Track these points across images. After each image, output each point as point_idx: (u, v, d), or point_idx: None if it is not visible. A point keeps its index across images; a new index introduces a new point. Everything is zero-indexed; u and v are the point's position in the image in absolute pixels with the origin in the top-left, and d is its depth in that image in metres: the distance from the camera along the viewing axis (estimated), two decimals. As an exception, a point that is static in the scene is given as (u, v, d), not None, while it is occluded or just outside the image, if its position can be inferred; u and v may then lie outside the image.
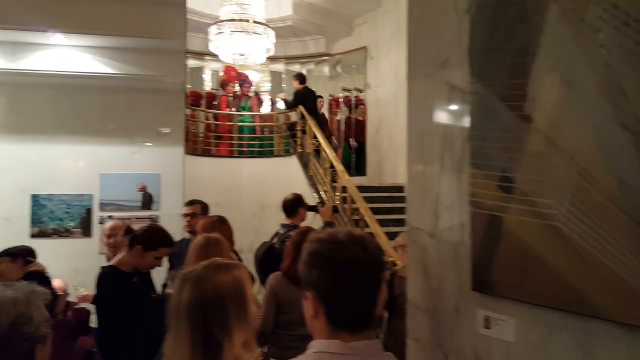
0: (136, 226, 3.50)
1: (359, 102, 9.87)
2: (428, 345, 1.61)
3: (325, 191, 7.21)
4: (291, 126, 9.01)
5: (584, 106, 1.12)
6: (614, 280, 1.09)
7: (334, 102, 10.58)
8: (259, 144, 9.10)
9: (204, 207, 4.09)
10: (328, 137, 8.41)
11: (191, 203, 4.09)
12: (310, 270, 1.12)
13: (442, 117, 1.57)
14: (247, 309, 1.37)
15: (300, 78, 8.63)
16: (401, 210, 7.35)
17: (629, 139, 1.05)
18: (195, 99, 9.22)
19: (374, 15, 9.30)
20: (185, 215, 3.99)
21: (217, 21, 8.02)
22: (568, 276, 1.17)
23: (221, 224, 3.28)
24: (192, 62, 9.64)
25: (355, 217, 6.16)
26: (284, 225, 3.99)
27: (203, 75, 10.36)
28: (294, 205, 4.03)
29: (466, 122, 1.45)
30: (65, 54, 4.99)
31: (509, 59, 1.29)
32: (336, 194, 6.94)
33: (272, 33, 8.32)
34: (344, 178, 6.50)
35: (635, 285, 1.05)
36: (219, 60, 9.33)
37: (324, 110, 9.79)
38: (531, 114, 1.23)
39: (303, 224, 3.89)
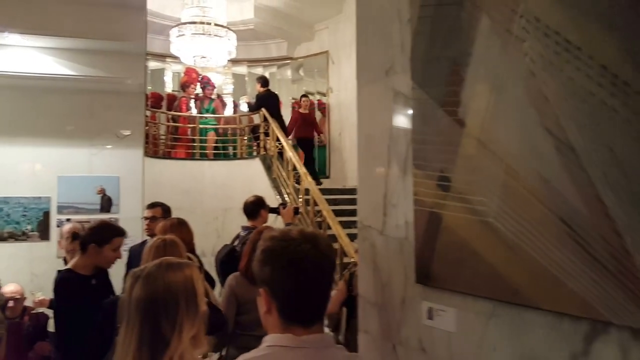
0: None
1: (322, 105, 9.98)
2: (377, 337, 1.70)
3: (288, 194, 7.28)
4: (254, 129, 9.03)
5: (511, 111, 1.23)
6: (539, 271, 1.19)
7: (297, 105, 10.65)
8: (222, 146, 9.08)
9: (165, 210, 4.07)
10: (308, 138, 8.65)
11: (152, 206, 4.07)
12: (263, 267, 1.17)
13: (388, 121, 1.65)
14: (197, 305, 1.41)
15: (263, 81, 8.68)
16: (363, 212, 7.50)
17: (551, 142, 1.15)
18: (156, 100, 9.11)
19: (335, 21, 9.46)
20: (146, 218, 3.97)
21: (178, 24, 7.99)
22: (500, 268, 1.27)
23: (181, 226, 3.29)
24: (153, 64, 9.55)
25: (318, 219, 6.23)
26: (245, 228, 4.01)
27: (164, 77, 10.26)
28: (255, 208, 4.06)
29: (409, 125, 1.55)
30: (23, 55, 4.90)
31: (446, 67, 1.39)
32: (299, 196, 7.00)
33: (233, 36, 8.33)
34: (307, 180, 6.57)
35: (558, 276, 1.16)
36: (180, 62, 9.27)
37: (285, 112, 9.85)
38: (464, 119, 1.33)
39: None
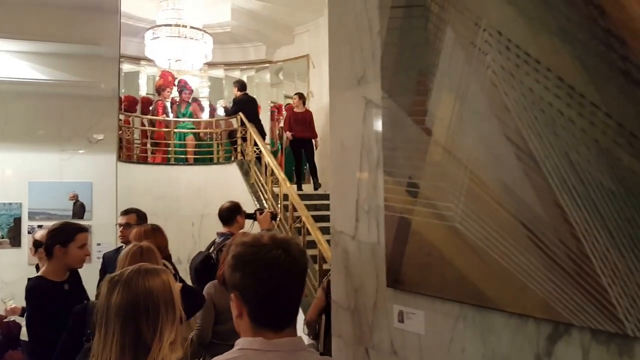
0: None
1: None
2: (350, 341, 1.72)
3: (266, 199, 7.25)
4: (231, 133, 8.97)
5: (474, 120, 1.27)
6: (503, 275, 1.24)
7: (276, 109, 10.63)
8: (199, 151, 9.01)
9: (140, 217, 4.02)
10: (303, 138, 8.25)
11: (126, 212, 4.02)
12: (234, 273, 1.19)
13: (360, 128, 1.69)
14: (175, 310, 1.43)
15: (240, 85, 8.63)
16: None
17: (511, 150, 1.20)
18: (130, 104, 8.98)
19: (316, 24, 9.39)
20: (120, 225, 3.93)
21: (153, 26, 7.90)
22: (466, 271, 1.32)
23: (155, 233, 3.27)
24: (127, 67, 9.41)
25: (297, 225, 6.22)
26: (220, 234, 3.97)
27: (139, 80, 10.14)
28: (230, 214, 4.01)
29: (379, 132, 1.58)
30: (-6, 59, 4.81)
31: (414, 77, 1.43)
32: (278, 202, 6.99)
33: (210, 39, 8.28)
34: (285, 186, 6.55)
35: (521, 279, 1.20)
36: (155, 65, 9.17)
37: (264, 117, 9.82)
38: (431, 127, 1.38)
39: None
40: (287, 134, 8.14)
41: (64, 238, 2.80)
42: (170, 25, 7.67)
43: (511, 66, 1.19)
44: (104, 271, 3.85)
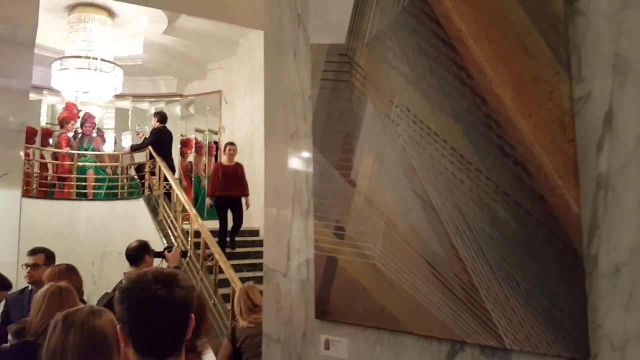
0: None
1: (211, 145, 10.01)
2: (280, 369, 1.92)
3: (176, 237, 7.15)
4: (139, 167, 8.79)
5: (389, 177, 1.58)
6: (412, 303, 1.52)
7: (184, 143, 10.56)
8: (102, 185, 8.69)
9: (49, 257, 3.88)
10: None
11: (34, 252, 3.84)
12: (118, 306, 1.32)
13: (292, 176, 1.94)
14: (120, 346, 1.54)
15: (161, 117, 8.41)
16: (256, 255, 7.61)
17: (417, 202, 1.51)
18: (29, 135, 8.49)
19: (229, 62, 9.60)
20: (27, 265, 3.76)
21: (62, 57, 7.68)
22: (382, 301, 1.59)
23: (69, 273, 3.22)
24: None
25: (209, 263, 6.20)
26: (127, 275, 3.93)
27: (40, 110, 9.65)
28: (138, 253, 3.86)
29: (310, 182, 1.84)
30: None
31: (340, 138, 1.72)
32: (188, 239, 6.93)
33: (120, 72, 8.19)
34: (197, 222, 6.54)
35: (426, 306, 1.49)
36: (57, 94, 8.83)
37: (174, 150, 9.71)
38: (355, 180, 1.66)
39: None
40: (208, 201, 7.18)
41: None
42: (80, 56, 7.49)
43: (417, 136, 1.51)
44: (6, 314, 3.65)
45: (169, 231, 7.38)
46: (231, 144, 7.25)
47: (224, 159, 7.17)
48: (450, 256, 1.42)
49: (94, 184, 8.42)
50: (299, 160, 1.91)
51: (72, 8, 7.36)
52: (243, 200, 7.11)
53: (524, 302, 1.28)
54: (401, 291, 1.54)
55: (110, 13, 7.86)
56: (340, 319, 1.71)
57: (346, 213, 1.68)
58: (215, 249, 5.99)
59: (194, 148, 10.36)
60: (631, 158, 1.14)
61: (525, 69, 1.27)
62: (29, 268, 3.72)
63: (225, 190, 6.83)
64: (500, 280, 1.33)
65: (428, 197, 1.47)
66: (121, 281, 3.96)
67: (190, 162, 10.29)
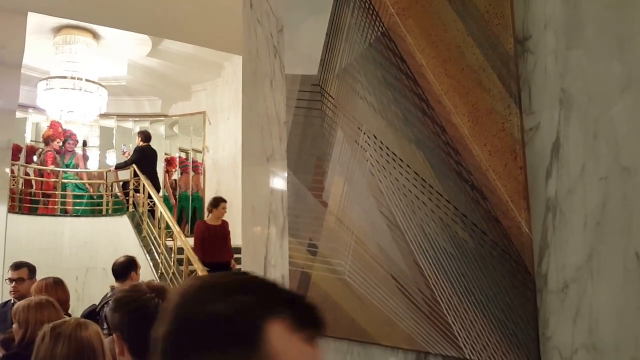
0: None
1: (196, 164, 10.10)
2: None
3: (159, 253, 7.20)
4: (125, 184, 8.84)
5: (358, 198, 1.69)
6: (380, 316, 1.62)
7: (167, 162, 10.62)
8: (86, 202, 8.71)
9: (32, 271, 3.95)
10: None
11: (17, 267, 3.91)
12: (114, 314, 1.41)
13: (268, 196, 2.04)
14: (105, 357, 1.62)
15: (145, 136, 8.59)
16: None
17: (384, 221, 1.62)
18: (14, 152, 8.53)
19: (213, 84, 9.76)
20: (11, 280, 3.81)
21: (48, 77, 7.76)
22: (352, 314, 1.68)
23: (57, 286, 3.28)
24: (13, 114, 8.97)
25: (193, 280, 6.22)
26: (113, 288, 3.97)
27: (25, 127, 9.68)
28: (123, 269, 3.99)
29: (285, 202, 1.95)
30: None
31: (313, 161, 1.83)
32: (172, 255, 6.98)
33: (105, 92, 8.28)
34: (181, 239, 6.60)
35: (392, 319, 1.59)
36: (41, 113, 8.89)
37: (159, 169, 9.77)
38: (327, 201, 1.77)
39: None
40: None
41: None
42: (65, 77, 7.58)
43: (383, 161, 1.63)
44: (-11, 327, 3.68)
45: (153, 248, 7.44)
46: (223, 200, 6.29)
47: (210, 217, 6.20)
48: (415, 272, 1.53)
49: (72, 200, 8.42)
50: (275, 181, 2.01)
51: (57, 30, 7.47)
52: None
53: (481, 315, 1.38)
54: (369, 305, 1.63)
55: (95, 35, 7.97)
56: (313, 332, 1.80)
57: (319, 231, 1.79)
58: (198, 265, 6.06)
59: (178, 166, 10.43)
60: (577, 184, 1.26)
61: (480, 102, 1.39)
62: (14, 282, 3.77)
63: (216, 256, 5.97)
64: (460, 294, 1.43)
65: (394, 217, 1.58)
66: (106, 294, 4.00)
67: (175, 180, 10.37)
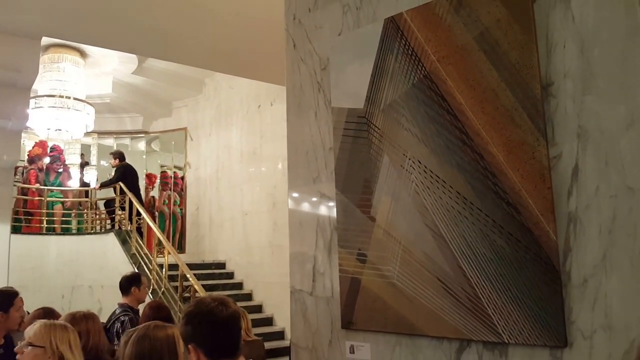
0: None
1: (177, 179, 10.18)
2: (308, 375, 2.27)
3: (151, 269, 7.27)
4: (109, 202, 8.87)
5: (404, 213, 2.00)
6: (426, 312, 1.92)
7: (148, 178, 10.64)
8: (70, 220, 8.70)
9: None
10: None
11: None
12: (186, 327, 1.63)
13: (315, 213, 2.33)
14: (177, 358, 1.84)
15: (119, 155, 8.70)
16: (225, 287, 7.82)
17: (429, 232, 1.93)
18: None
19: (195, 100, 9.90)
20: None
21: (36, 96, 7.80)
22: (401, 311, 1.99)
23: (47, 316, 3.39)
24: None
25: (187, 295, 6.38)
26: (120, 305, 4.08)
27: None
28: (127, 283, 4.12)
29: (333, 217, 2.24)
30: None
31: (360, 182, 2.14)
32: (163, 271, 7.08)
33: (91, 110, 8.37)
34: (174, 256, 6.73)
35: (438, 313, 1.89)
36: (25, 131, 8.84)
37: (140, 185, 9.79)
38: (375, 216, 2.08)
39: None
40: None
41: (6, 304, 2.92)
42: (53, 95, 7.64)
43: (428, 182, 1.95)
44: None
45: (142, 264, 7.50)
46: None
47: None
48: (458, 274, 1.85)
49: (62, 218, 8.42)
50: (321, 199, 2.31)
51: (45, 48, 7.54)
52: None
53: (517, 307, 1.71)
54: (417, 303, 1.94)
55: (83, 53, 8.09)
56: (363, 327, 2.09)
57: (367, 242, 2.09)
58: (194, 280, 6.22)
59: (157, 182, 10.46)
60: (592, 201, 1.61)
61: (513, 135, 1.74)
62: None
63: None
64: (499, 291, 1.76)
65: (438, 229, 1.91)
66: (114, 312, 4.12)
67: (153, 196, 10.38)
